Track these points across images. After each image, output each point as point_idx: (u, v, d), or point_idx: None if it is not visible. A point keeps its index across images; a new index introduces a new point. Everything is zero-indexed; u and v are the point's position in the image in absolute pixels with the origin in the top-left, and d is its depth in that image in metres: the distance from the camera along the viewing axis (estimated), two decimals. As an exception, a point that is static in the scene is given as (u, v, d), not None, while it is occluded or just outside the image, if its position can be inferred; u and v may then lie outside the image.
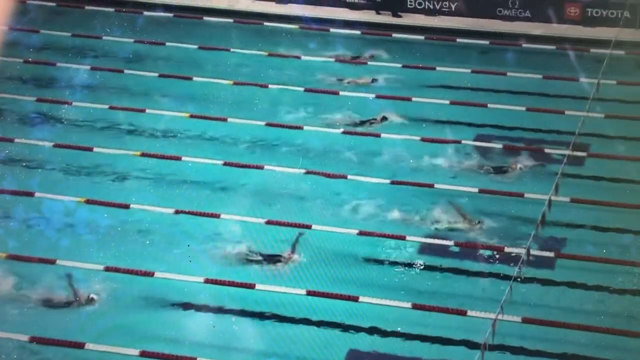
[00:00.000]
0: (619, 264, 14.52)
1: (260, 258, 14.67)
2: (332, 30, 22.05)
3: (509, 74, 20.20)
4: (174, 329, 13.36)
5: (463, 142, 17.82)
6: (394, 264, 14.72)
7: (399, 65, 20.62)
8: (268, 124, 18.44)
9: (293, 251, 14.70)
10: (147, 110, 18.85)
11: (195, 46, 21.35)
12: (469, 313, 13.53)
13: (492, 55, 21.15)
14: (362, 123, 18.46)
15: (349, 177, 16.82)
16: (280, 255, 14.69)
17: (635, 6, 21.36)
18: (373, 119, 18.49)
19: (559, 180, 15.60)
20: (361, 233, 15.31)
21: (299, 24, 22.23)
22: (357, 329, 13.46)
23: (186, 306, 13.78)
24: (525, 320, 13.38)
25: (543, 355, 12.92)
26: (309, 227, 15.38)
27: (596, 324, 13.33)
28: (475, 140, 17.95)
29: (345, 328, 13.48)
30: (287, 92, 19.60)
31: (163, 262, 14.62)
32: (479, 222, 15.43)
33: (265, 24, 22.29)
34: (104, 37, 21.68)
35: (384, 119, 18.52)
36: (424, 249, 15.04)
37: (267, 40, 21.65)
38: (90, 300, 13.86)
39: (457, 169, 17.17)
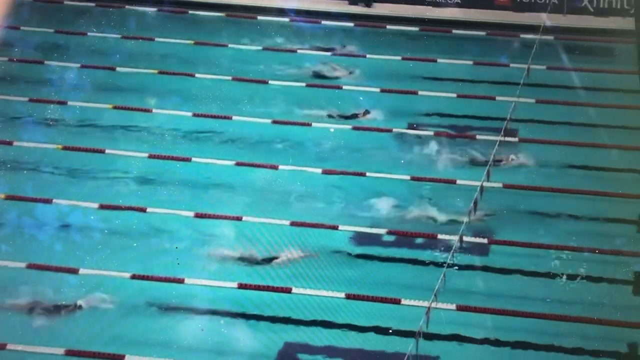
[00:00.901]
0: (551, 248, 14.51)
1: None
2: (259, 17, 21.76)
3: (439, 60, 20.12)
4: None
5: (394, 130, 17.67)
6: (328, 254, 14.47)
7: (329, 54, 20.40)
8: (195, 115, 18.06)
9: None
10: (69, 102, 18.28)
11: (119, 36, 20.86)
12: (403, 302, 13.37)
13: (422, 41, 21.05)
14: (347, 117, 18.14)
15: (280, 167, 16.52)
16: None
17: (563, -8, 21.57)
18: (356, 114, 18.16)
19: (491, 166, 15.58)
20: (293, 224, 15.04)
21: (226, 11, 21.88)
22: (291, 321, 13.20)
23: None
24: (460, 308, 13.27)
25: (477, 342, 12.84)
26: (239, 218, 15.06)
27: (531, 309, 13.30)
28: (407, 128, 17.80)
29: (278, 321, 13.20)
30: (216, 81, 19.20)
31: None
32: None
33: (191, 12, 21.88)
34: (22, 28, 21.00)
35: (366, 112, 18.22)
36: (357, 238, 14.82)
37: (192, 28, 21.25)
38: (77, 307, 13.32)
39: (388, 156, 17.01)
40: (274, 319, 13.23)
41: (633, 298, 13.61)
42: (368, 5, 22.09)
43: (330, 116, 18.16)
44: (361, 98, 18.48)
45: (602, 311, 13.23)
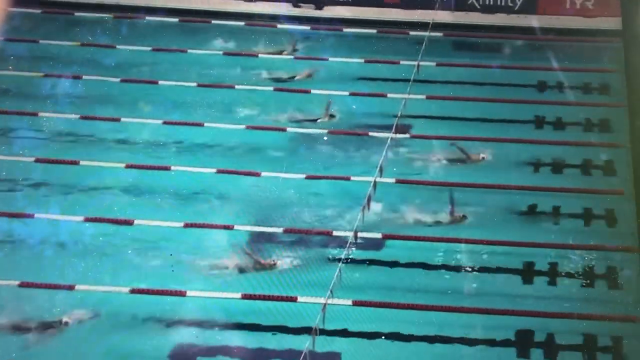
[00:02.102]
0: (442, 241, 14.63)
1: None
2: (147, 18, 21.42)
3: (330, 59, 20.16)
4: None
5: (288, 129, 17.61)
6: (224, 254, 14.30)
7: (220, 53, 20.18)
8: (83, 117, 17.65)
9: None
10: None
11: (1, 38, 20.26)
12: (300, 299, 13.30)
13: (313, 41, 21.04)
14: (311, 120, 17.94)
15: (173, 168, 16.25)
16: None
17: (451, -12, 21.88)
18: (319, 118, 17.96)
19: (383, 162, 15.67)
20: (187, 225, 14.81)
21: (112, 12, 21.48)
22: (185, 323, 12.97)
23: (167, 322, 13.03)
24: (356, 303, 13.27)
25: (374, 336, 12.86)
26: (130, 222, 14.76)
27: (425, 302, 13.39)
28: (301, 127, 17.74)
29: (173, 323, 12.97)
30: (103, 83, 18.82)
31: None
32: (463, 216, 15.16)
33: (77, 14, 21.36)
34: None
35: (332, 116, 18.06)
36: (253, 238, 14.69)
37: (78, 30, 20.78)
38: (64, 324, 12.83)
39: (284, 155, 16.93)
40: (168, 322, 12.98)
41: (522, 287, 13.87)
42: (319, 8, 21.98)
43: (221, 115, 18.03)
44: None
45: (494, 301, 13.43)
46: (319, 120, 17.96)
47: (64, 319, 12.87)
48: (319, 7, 21.90)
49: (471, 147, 16.90)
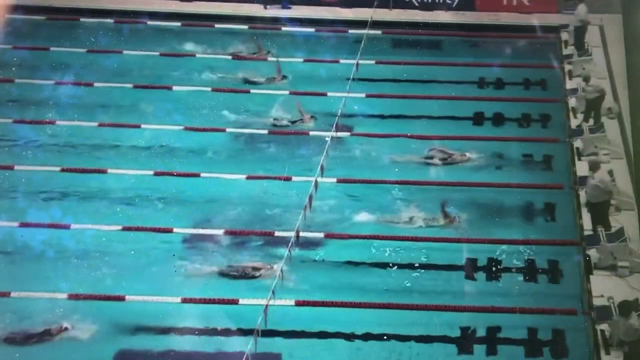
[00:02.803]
0: (385, 239, 14.54)
1: None
2: (82, 19, 21.08)
3: (270, 58, 20.00)
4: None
5: (228, 129, 17.40)
6: (162, 257, 14.05)
7: (157, 54, 19.90)
8: (16, 121, 17.28)
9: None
10: None
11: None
12: (241, 301, 13.12)
13: (252, 40, 20.85)
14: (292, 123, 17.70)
15: (109, 171, 15.92)
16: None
17: (389, -14, 21.84)
18: (300, 119, 17.71)
19: (325, 161, 15.55)
20: (125, 229, 14.53)
21: (45, 14, 21.07)
22: (125, 328, 12.73)
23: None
24: (298, 303, 13.13)
25: (316, 336, 12.73)
26: (67, 227, 14.48)
27: (370, 300, 13.30)
28: (241, 127, 17.56)
29: (111, 329, 12.70)
30: (36, 86, 18.43)
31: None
32: (455, 217, 14.99)
33: (7, 16, 20.91)
34: None
35: (312, 117, 17.82)
36: (190, 240, 14.48)
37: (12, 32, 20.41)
38: (63, 330, 12.49)
39: (224, 156, 16.72)
40: (108, 327, 12.71)
41: (465, 283, 13.86)
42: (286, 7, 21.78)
43: (158, 114, 17.83)
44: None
45: (437, 298, 13.40)
46: (297, 123, 17.74)
47: (64, 325, 12.63)
48: (264, 6, 21.81)
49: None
